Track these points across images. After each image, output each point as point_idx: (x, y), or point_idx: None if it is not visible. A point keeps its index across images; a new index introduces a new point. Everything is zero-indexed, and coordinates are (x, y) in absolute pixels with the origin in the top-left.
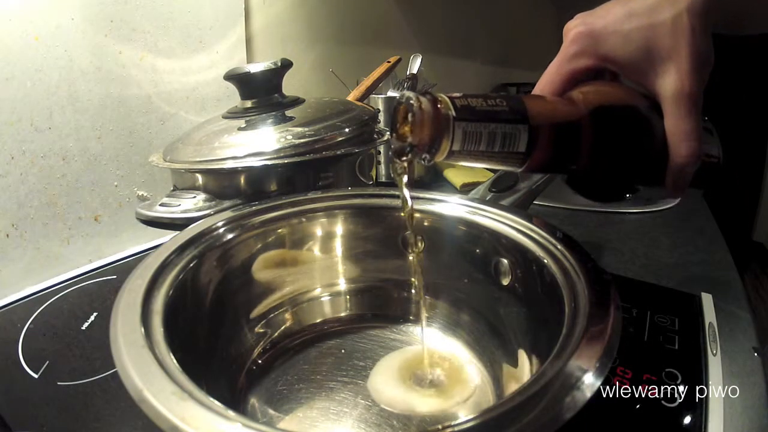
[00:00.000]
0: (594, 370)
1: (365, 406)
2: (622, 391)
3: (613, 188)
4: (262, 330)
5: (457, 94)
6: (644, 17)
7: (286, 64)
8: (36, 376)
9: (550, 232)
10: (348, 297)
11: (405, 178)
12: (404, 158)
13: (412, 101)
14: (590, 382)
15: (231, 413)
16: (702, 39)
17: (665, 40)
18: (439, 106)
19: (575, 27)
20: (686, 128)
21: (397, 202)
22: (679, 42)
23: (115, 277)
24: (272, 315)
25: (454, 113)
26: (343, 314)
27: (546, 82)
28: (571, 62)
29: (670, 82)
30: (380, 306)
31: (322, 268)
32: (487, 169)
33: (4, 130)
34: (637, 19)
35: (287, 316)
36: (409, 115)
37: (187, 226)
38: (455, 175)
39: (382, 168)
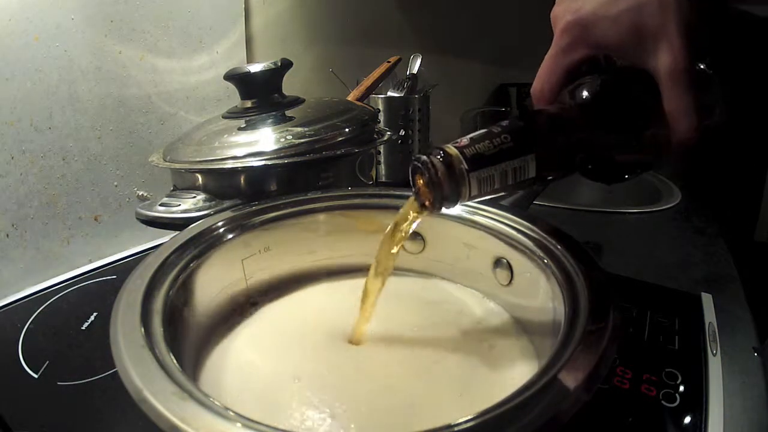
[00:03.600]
0: (594, 370)
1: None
2: (622, 391)
3: (621, 172)
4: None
5: (465, 142)
6: None
7: (286, 64)
8: (36, 376)
9: (550, 232)
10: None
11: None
12: (427, 211)
13: (426, 162)
14: (590, 382)
15: (231, 413)
16: (689, 12)
17: (653, 19)
18: (451, 163)
19: (563, 17)
20: (683, 103)
21: (398, 202)
22: (667, 18)
23: (115, 277)
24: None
25: (467, 166)
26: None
27: (544, 80)
28: (566, 56)
29: (663, 60)
30: None
31: (322, 268)
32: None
33: (4, 130)
34: (624, 0)
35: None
36: (425, 177)
37: (187, 226)
38: None
39: (382, 168)
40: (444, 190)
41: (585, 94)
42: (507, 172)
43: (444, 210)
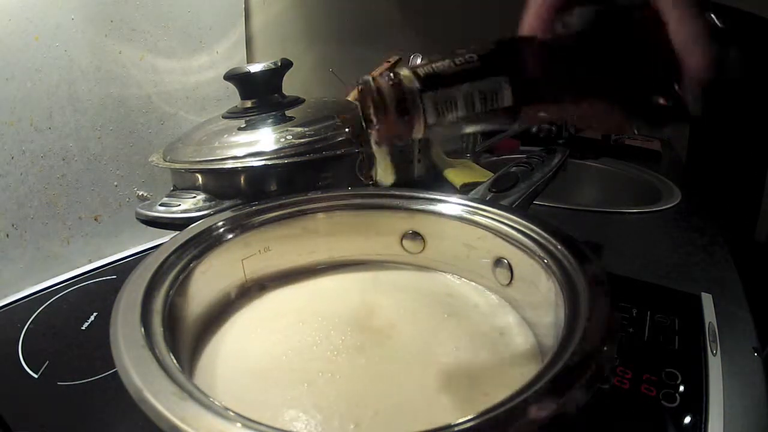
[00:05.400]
0: (594, 370)
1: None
2: (622, 391)
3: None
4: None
5: (422, 61)
6: None
7: (286, 64)
8: (36, 376)
9: (550, 232)
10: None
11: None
12: (381, 144)
13: (370, 83)
14: (590, 382)
15: (231, 413)
16: None
17: None
18: (401, 82)
19: None
20: (692, 30)
21: (397, 202)
22: None
23: (115, 277)
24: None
25: (419, 85)
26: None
27: (533, 16)
28: None
29: None
30: None
31: (322, 268)
32: (480, 132)
33: (4, 130)
34: None
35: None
36: (371, 105)
37: (187, 226)
38: (455, 175)
39: None
40: (394, 115)
41: (577, 20)
42: (473, 96)
43: (398, 142)
